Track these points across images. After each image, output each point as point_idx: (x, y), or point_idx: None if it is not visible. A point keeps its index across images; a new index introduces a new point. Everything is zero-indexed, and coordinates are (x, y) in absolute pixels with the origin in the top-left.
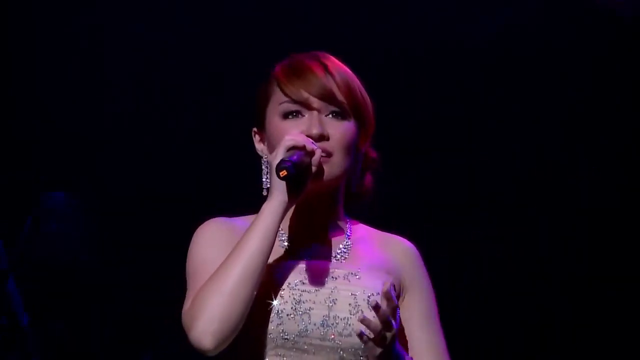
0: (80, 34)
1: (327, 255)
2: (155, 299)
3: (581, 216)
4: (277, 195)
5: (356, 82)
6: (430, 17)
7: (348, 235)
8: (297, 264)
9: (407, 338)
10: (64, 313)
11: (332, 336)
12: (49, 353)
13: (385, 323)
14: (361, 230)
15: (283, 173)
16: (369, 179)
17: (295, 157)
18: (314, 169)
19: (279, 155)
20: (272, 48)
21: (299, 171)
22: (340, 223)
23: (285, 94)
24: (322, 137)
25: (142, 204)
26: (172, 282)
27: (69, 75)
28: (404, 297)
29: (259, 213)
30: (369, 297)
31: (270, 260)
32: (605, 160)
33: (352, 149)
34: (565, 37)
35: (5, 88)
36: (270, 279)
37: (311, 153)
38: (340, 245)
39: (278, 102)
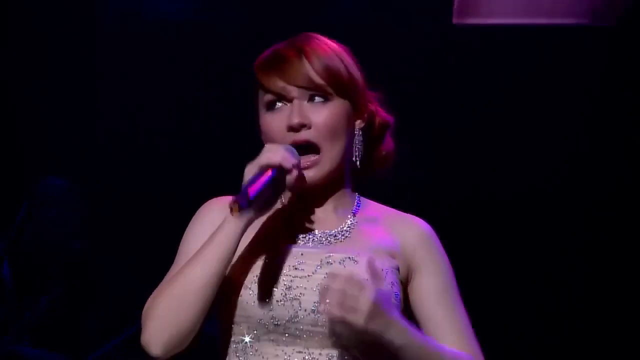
0: (79, 30)
1: (327, 237)
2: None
3: (581, 216)
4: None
5: (339, 58)
6: (430, 16)
7: (354, 213)
8: (294, 248)
9: (423, 319)
10: (57, 298)
11: (323, 322)
12: (41, 337)
13: (349, 287)
14: (371, 209)
15: (235, 210)
16: (374, 149)
17: (258, 187)
18: (289, 185)
19: (248, 174)
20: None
21: (258, 201)
22: (347, 201)
23: (264, 86)
24: (303, 126)
25: (140, 195)
26: (167, 270)
27: (67, 68)
28: (414, 280)
29: (223, 222)
30: None
31: (268, 243)
32: (606, 160)
33: (341, 130)
34: (566, 37)
35: (3, 79)
36: (264, 264)
37: (287, 171)
38: (343, 225)
39: (261, 95)
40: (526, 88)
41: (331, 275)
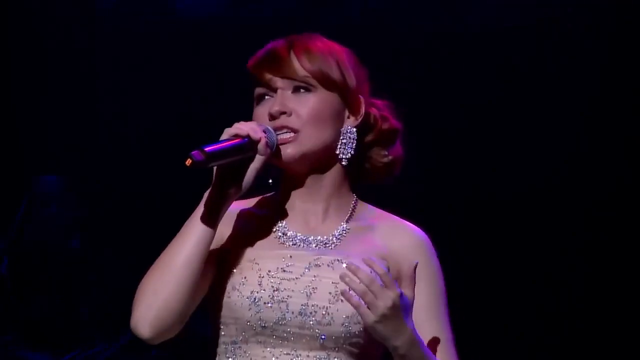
0: (79, 30)
1: (317, 240)
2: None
3: (581, 216)
4: (212, 184)
5: (332, 54)
6: (430, 16)
7: (347, 218)
8: (283, 250)
9: None
10: (53, 296)
11: (310, 324)
12: (38, 335)
13: (373, 284)
14: (367, 214)
15: (187, 162)
16: (377, 154)
17: (219, 146)
18: (260, 157)
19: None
20: None
21: (213, 160)
22: (342, 203)
23: (253, 79)
24: (282, 113)
25: (140, 195)
26: None
27: (67, 68)
28: (403, 287)
29: (202, 200)
30: None
31: (256, 245)
32: (606, 160)
33: (324, 121)
34: (566, 37)
35: (3, 79)
36: (253, 266)
37: (256, 142)
38: (336, 229)
39: (253, 89)
40: (526, 88)
41: (369, 262)
